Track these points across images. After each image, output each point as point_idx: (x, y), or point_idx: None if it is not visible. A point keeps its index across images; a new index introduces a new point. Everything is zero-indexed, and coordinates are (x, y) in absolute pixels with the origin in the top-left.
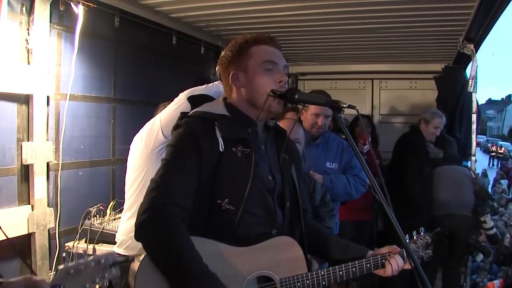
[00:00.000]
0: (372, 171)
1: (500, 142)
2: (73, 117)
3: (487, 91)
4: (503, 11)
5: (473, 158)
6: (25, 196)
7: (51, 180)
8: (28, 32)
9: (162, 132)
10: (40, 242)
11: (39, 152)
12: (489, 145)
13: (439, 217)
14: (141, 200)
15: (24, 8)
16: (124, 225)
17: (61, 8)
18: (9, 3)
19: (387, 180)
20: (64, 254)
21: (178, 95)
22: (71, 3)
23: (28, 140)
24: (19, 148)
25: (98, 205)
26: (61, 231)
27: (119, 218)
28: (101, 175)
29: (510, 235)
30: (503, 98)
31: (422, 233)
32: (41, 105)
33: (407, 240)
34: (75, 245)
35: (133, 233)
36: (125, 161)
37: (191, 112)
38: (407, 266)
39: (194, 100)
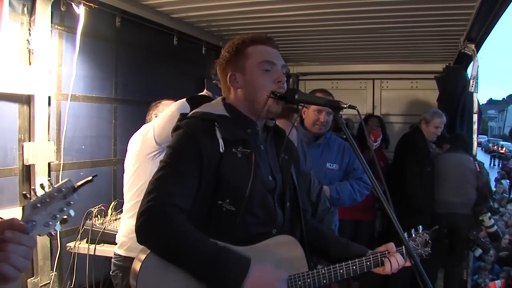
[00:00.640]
0: (374, 172)
1: (501, 142)
2: (74, 117)
3: (488, 91)
4: (504, 11)
5: None
6: None
7: (53, 181)
8: (30, 33)
9: (155, 140)
10: (42, 242)
11: (41, 153)
12: (490, 145)
13: (441, 215)
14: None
15: (25, 9)
16: (123, 226)
17: (63, 9)
18: (10, 4)
19: (389, 180)
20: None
21: (179, 95)
22: (72, 4)
23: (30, 141)
24: (21, 149)
25: (99, 205)
26: (62, 232)
27: (120, 218)
28: (102, 175)
29: (509, 235)
30: (504, 98)
31: (420, 231)
32: (43, 105)
33: (406, 238)
34: (76, 245)
35: (133, 234)
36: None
37: (190, 113)
38: (407, 264)
39: (193, 101)
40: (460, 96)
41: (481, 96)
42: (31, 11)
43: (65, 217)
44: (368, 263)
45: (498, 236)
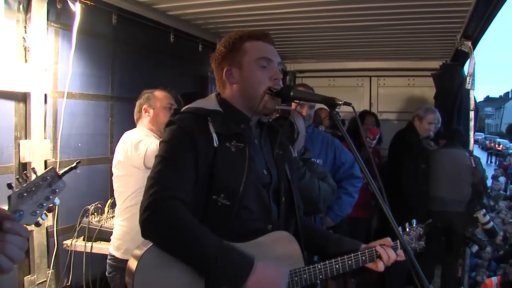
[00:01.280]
0: (370, 170)
1: (498, 140)
2: (70, 115)
3: (485, 88)
4: (500, 8)
5: None
6: None
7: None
8: (25, 30)
9: (144, 164)
10: (38, 240)
11: (37, 150)
12: (487, 142)
13: (436, 212)
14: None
15: (21, 6)
16: (117, 229)
17: (58, 6)
18: (6, 1)
19: (384, 177)
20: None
21: (175, 92)
22: (68, 1)
23: (26, 138)
24: (17, 146)
25: (96, 203)
26: (59, 229)
27: (114, 221)
28: (99, 173)
29: (503, 232)
30: (501, 96)
31: (414, 225)
32: (39, 103)
33: (400, 232)
34: (73, 243)
35: (128, 236)
36: None
37: (183, 109)
38: (400, 257)
39: (186, 97)
40: (457, 94)
41: (478, 94)
42: (27, 9)
43: (51, 205)
44: (364, 257)
45: (495, 232)
